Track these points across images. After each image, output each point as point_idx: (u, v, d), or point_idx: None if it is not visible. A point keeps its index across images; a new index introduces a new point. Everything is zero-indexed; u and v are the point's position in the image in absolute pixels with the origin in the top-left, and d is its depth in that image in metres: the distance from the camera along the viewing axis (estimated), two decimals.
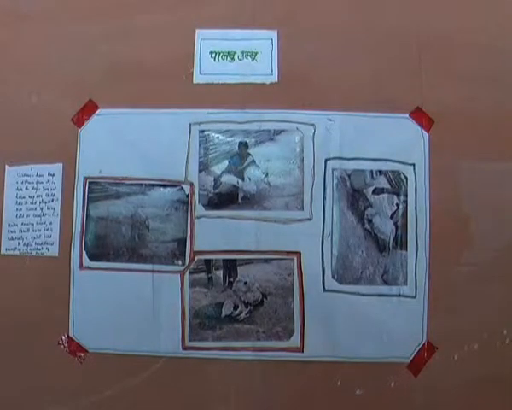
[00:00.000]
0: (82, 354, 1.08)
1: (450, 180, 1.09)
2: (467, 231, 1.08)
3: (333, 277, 1.07)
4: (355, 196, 1.09)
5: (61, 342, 1.08)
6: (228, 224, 1.08)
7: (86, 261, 1.08)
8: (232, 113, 1.09)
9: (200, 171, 1.09)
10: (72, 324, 1.08)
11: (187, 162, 1.09)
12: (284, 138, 1.09)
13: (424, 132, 1.09)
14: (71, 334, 1.08)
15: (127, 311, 1.07)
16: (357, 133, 1.09)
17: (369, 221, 1.08)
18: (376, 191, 1.09)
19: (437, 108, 1.09)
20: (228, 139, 1.09)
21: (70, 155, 1.09)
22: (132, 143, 1.09)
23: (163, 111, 1.09)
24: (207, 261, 1.08)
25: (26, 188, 1.09)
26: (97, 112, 1.10)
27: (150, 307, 1.07)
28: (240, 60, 1.11)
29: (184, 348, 1.07)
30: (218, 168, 1.09)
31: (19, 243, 1.08)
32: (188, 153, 1.09)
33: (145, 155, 1.09)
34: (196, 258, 1.07)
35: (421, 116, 1.09)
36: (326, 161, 1.09)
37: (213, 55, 1.11)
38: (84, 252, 1.08)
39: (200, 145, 1.09)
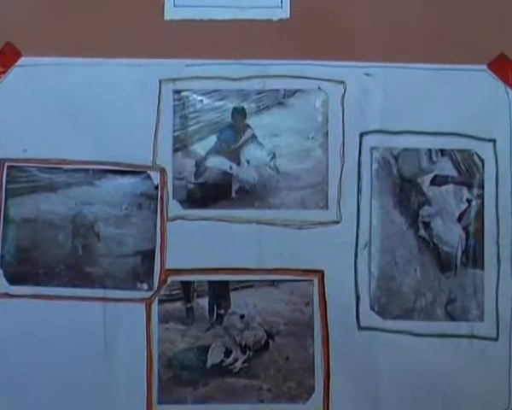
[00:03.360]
0: None
1: None
2: None
3: (372, 308, 0.96)
4: (405, 187, 0.97)
5: None
6: (216, 229, 0.96)
7: (3, 286, 0.97)
8: (223, 64, 0.97)
9: (175, 151, 0.97)
10: None
11: (155, 138, 0.97)
12: (299, 102, 0.98)
13: (510, 92, 0.97)
14: None
15: (66, 359, 0.95)
16: (408, 95, 0.97)
17: (427, 225, 0.97)
18: (437, 181, 0.97)
19: None
20: (216, 104, 0.98)
21: None
22: (73, 108, 0.97)
23: (119, 61, 0.97)
24: (186, 284, 0.97)
25: None
26: (19, 61, 0.99)
27: (101, 351, 0.95)
28: None
29: None
30: (201, 147, 0.98)
31: None
32: (157, 124, 0.97)
33: (92, 128, 0.97)
34: (169, 280, 0.96)
35: (505, 67, 0.96)
36: (362, 135, 0.97)
37: None
38: (0, 271, 0.98)
39: (175, 113, 0.98)
